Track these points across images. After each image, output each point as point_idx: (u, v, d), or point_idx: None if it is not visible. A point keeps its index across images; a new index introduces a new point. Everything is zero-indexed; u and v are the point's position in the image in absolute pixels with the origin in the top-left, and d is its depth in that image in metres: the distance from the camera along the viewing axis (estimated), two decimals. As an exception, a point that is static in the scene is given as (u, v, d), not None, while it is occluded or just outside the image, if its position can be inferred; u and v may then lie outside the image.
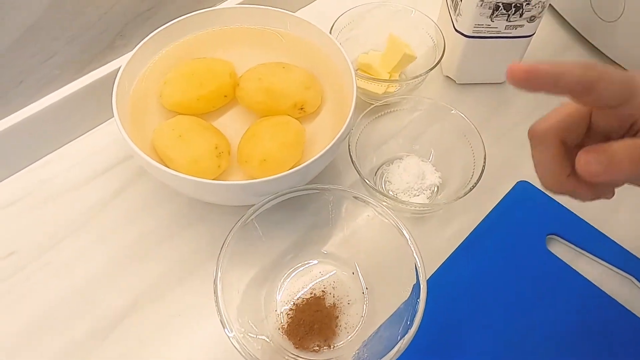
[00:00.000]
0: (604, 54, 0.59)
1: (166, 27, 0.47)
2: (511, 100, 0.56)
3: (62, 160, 0.49)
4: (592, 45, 0.60)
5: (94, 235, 0.45)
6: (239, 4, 0.55)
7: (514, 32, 0.50)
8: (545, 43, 0.60)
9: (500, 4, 0.47)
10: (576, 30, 0.61)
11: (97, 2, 0.45)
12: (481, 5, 0.47)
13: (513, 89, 0.55)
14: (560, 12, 0.62)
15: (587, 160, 0.25)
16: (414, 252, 0.37)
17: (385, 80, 0.51)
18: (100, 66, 0.49)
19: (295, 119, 0.46)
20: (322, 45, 0.48)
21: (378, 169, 0.49)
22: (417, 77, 0.50)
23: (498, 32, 0.50)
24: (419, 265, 0.36)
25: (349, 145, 0.44)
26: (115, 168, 0.49)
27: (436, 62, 0.50)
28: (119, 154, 0.50)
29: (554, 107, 0.30)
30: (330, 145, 0.40)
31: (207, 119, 0.47)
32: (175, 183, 0.40)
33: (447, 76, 0.57)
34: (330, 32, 0.50)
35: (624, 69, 0.57)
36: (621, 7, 0.53)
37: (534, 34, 0.51)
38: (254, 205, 0.39)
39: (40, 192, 0.47)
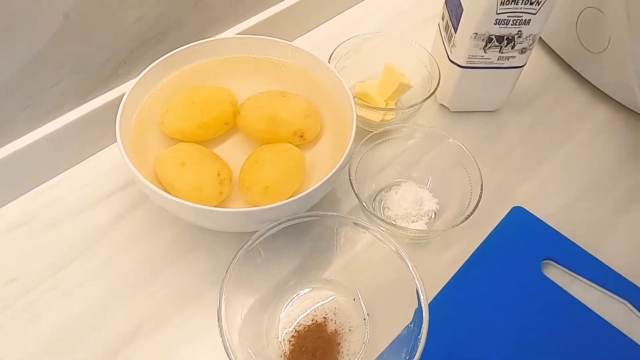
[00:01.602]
0: (592, 84, 0.61)
1: (168, 56, 0.48)
2: (504, 128, 0.57)
3: (64, 186, 0.50)
4: (580, 75, 0.62)
5: (97, 261, 0.45)
6: (238, 34, 0.56)
7: (507, 63, 0.52)
8: (535, 73, 0.62)
9: (493, 37, 0.49)
10: (564, 61, 0.63)
11: (103, 31, 0.46)
12: (475, 37, 0.49)
13: (506, 116, 0.58)
14: (549, 44, 0.65)
15: None
16: (415, 277, 0.37)
17: (382, 109, 0.53)
18: (104, 93, 0.50)
19: (296, 146, 0.47)
20: (322, 74, 0.50)
21: (376, 195, 0.50)
22: (413, 105, 0.51)
23: (491, 62, 0.52)
24: (421, 291, 0.37)
25: (349, 172, 0.45)
26: (117, 193, 0.49)
27: (431, 91, 0.52)
28: (121, 179, 0.50)
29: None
30: (331, 173, 0.40)
31: (208, 146, 0.48)
32: (177, 210, 0.41)
33: (442, 104, 0.58)
34: (328, 61, 0.52)
35: (607, 95, 0.59)
36: (607, 39, 0.55)
37: (525, 65, 0.53)
38: (256, 232, 0.40)
39: (42, 218, 0.47)
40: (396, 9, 0.70)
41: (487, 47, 0.50)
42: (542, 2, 0.46)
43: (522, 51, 0.51)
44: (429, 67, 0.54)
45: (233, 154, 0.48)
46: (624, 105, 0.59)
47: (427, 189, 0.50)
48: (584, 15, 0.56)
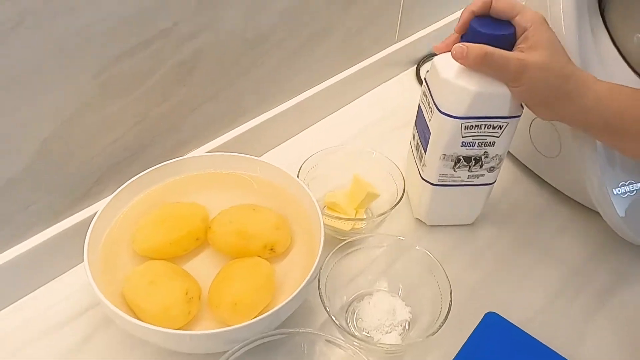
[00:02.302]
0: (550, 185, 0.64)
1: (141, 175, 0.49)
2: (474, 234, 0.59)
3: (32, 307, 0.48)
4: (540, 177, 0.65)
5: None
6: (209, 151, 0.59)
7: (477, 181, 0.53)
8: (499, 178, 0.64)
9: (460, 157, 0.50)
10: (524, 165, 0.67)
11: (80, 153, 0.48)
12: (443, 158, 0.50)
13: (476, 223, 0.59)
14: (509, 149, 0.68)
15: (454, 47, 0.45)
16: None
17: (351, 219, 0.54)
18: (76, 212, 0.50)
19: (266, 259, 0.47)
20: (291, 187, 0.51)
21: (349, 306, 0.50)
22: (381, 214, 0.53)
23: (461, 180, 0.52)
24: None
25: (318, 285, 0.45)
26: (86, 313, 0.48)
27: (398, 199, 0.54)
28: (90, 299, 0.49)
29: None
30: (299, 289, 0.41)
31: (179, 262, 0.48)
32: (142, 334, 0.40)
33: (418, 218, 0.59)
34: (297, 173, 0.54)
35: (567, 196, 0.62)
36: (558, 146, 0.58)
37: (495, 182, 0.54)
38: (226, 352, 0.39)
39: (8, 341, 0.46)
40: (365, 121, 0.74)
41: (456, 166, 0.51)
42: (503, 127, 0.48)
43: (491, 170, 0.52)
44: (394, 176, 0.57)
45: (204, 269, 0.48)
46: (583, 205, 0.62)
47: (400, 297, 0.49)
48: (536, 124, 0.60)
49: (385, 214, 0.53)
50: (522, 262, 0.56)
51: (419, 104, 0.54)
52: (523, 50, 0.44)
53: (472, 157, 0.50)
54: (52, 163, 0.46)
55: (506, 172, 0.67)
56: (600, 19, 0.54)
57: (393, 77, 0.83)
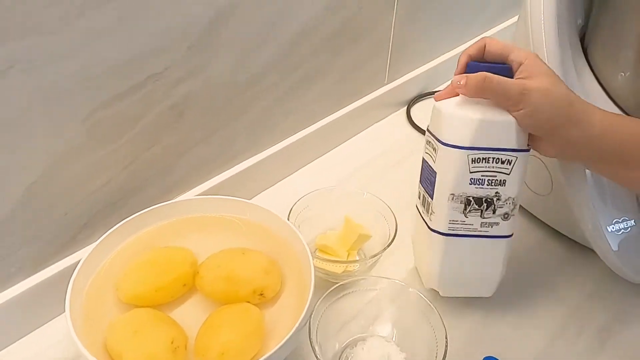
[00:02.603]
0: (542, 221, 0.63)
1: (127, 220, 0.49)
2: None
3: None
4: (534, 216, 0.64)
5: None
6: (199, 194, 0.58)
7: (491, 231, 0.48)
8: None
9: (471, 199, 0.47)
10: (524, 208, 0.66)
11: (67, 198, 0.47)
12: (452, 199, 0.47)
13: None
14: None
15: (455, 79, 0.45)
16: None
17: (343, 262, 0.53)
18: (60, 260, 0.49)
19: (255, 304, 0.46)
20: (281, 230, 0.51)
21: (342, 353, 0.48)
22: (374, 256, 0.52)
23: (475, 230, 0.48)
24: None
25: (309, 332, 0.44)
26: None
27: (390, 239, 0.53)
28: (73, 349, 0.47)
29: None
30: (289, 335, 0.39)
31: (165, 309, 0.47)
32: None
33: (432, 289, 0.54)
34: (288, 215, 0.53)
35: (562, 234, 0.61)
36: (549, 184, 0.58)
37: (512, 235, 0.49)
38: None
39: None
40: (357, 162, 0.74)
41: (467, 210, 0.47)
42: (513, 162, 0.46)
43: (505, 217, 0.48)
44: (386, 216, 0.56)
45: (192, 316, 0.47)
46: (578, 243, 0.61)
47: (394, 342, 0.48)
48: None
49: (378, 256, 0.52)
50: (520, 303, 0.54)
51: (423, 159, 0.51)
52: (524, 78, 0.44)
53: (484, 199, 0.47)
54: (38, 209, 0.45)
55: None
56: (584, 57, 0.55)
57: (384, 118, 0.83)
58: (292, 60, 0.62)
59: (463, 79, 0.44)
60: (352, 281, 0.49)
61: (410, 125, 0.82)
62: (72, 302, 0.41)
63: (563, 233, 0.62)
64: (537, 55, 0.45)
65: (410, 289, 0.48)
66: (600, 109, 0.45)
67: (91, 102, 0.45)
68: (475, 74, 0.44)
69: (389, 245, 0.52)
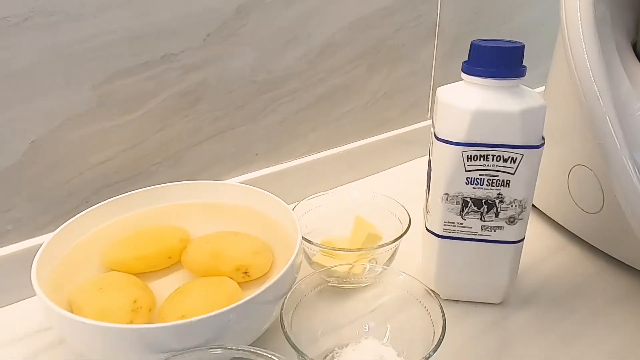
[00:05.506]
0: (602, 251, 0.53)
1: (124, 195, 0.48)
2: (501, 311, 0.48)
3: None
4: (579, 238, 0.55)
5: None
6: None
7: (494, 236, 0.43)
8: (534, 245, 0.55)
9: (468, 200, 0.42)
10: (558, 223, 0.58)
11: (68, 166, 0.47)
12: (446, 199, 0.42)
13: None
14: (544, 211, 0.60)
15: None
16: None
17: (351, 250, 0.48)
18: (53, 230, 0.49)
19: (239, 282, 0.42)
20: (281, 217, 0.47)
21: (332, 352, 0.41)
22: (382, 245, 0.47)
23: (474, 233, 0.43)
24: None
25: (290, 322, 0.37)
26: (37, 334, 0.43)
27: (402, 233, 0.48)
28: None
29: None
30: (253, 295, 0.34)
31: (146, 278, 0.44)
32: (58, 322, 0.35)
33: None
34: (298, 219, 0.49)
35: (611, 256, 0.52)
36: (601, 200, 0.50)
37: (522, 240, 0.44)
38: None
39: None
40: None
41: (465, 212, 0.42)
42: (518, 161, 0.40)
43: (511, 221, 0.42)
44: (399, 215, 0.51)
45: (173, 288, 0.43)
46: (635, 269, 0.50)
47: (387, 342, 0.40)
48: (574, 174, 0.53)
49: (387, 247, 0.47)
50: (566, 353, 0.43)
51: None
52: None
53: (483, 201, 0.41)
54: (41, 167, 0.46)
55: (550, 238, 0.57)
56: (637, 60, 0.50)
57: (425, 156, 0.79)
58: (318, 71, 0.61)
59: None
60: (350, 277, 0.43)
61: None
62: (44, 263, 0.39)
63: (623, 261, 0.52)
64: None
65: (401, 275, 0.41)
66: None
67: (104, 70, 0.47)
68: None
69: (400, 237, 0.47)
